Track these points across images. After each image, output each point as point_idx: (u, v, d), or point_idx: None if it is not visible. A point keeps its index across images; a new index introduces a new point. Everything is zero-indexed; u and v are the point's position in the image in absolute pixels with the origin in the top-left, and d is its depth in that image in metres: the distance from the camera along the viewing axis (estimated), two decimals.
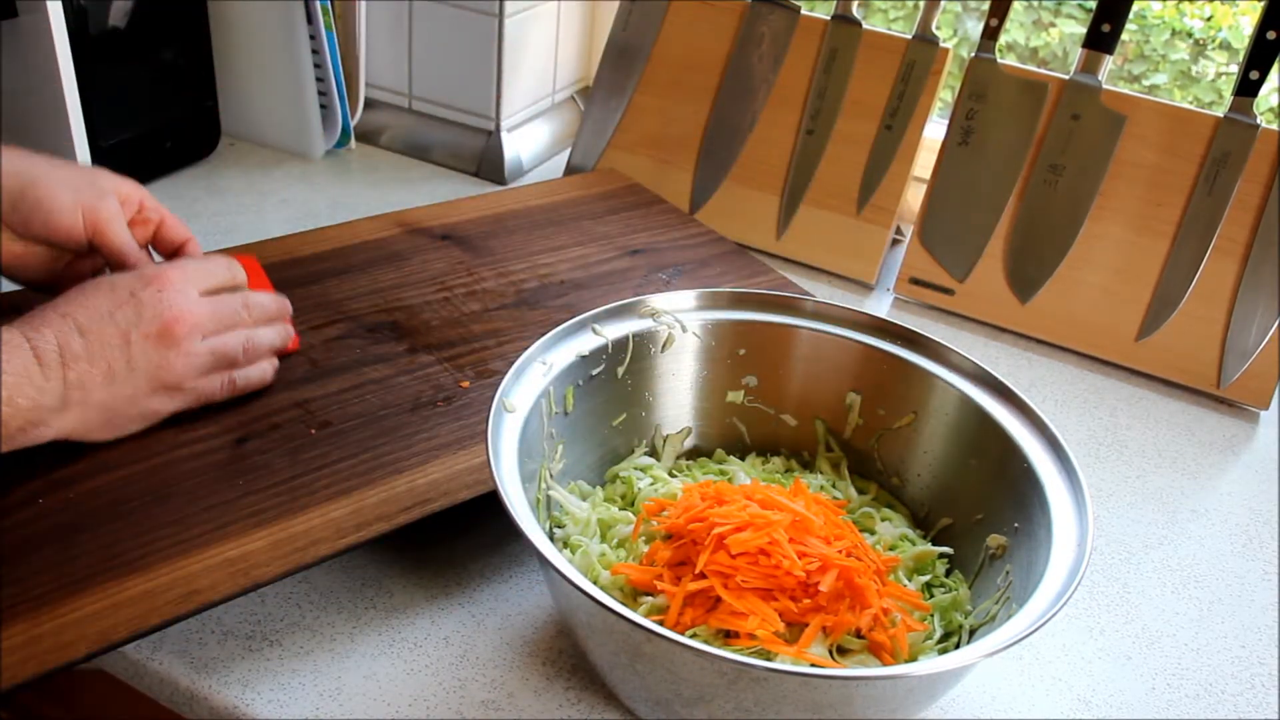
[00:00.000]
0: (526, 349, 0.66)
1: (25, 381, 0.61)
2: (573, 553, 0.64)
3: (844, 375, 0.73)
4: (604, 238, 0.98)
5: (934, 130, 1.04)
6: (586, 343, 0.69)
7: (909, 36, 1.02)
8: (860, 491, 0.73)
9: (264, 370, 0.73)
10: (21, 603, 0.57)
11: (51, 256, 0.74)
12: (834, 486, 0.72)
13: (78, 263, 0.75)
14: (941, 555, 0.67)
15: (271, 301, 0.74)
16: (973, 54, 1.00)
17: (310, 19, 1.09)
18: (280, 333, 0.74)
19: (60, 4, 0.91)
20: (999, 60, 0.99)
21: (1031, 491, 0.63)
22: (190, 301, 0.68)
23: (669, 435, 0.74)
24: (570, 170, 1.15)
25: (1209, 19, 1.31)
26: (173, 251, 0.77)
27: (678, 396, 0.74)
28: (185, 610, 0.58)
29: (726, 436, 0.76)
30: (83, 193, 0.71)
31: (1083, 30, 0.98)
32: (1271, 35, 0.91)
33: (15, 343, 0.61)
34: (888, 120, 1.03)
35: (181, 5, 1.06)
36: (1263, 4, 0.91)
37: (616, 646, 0.56)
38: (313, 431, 0.71)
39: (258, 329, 0.72)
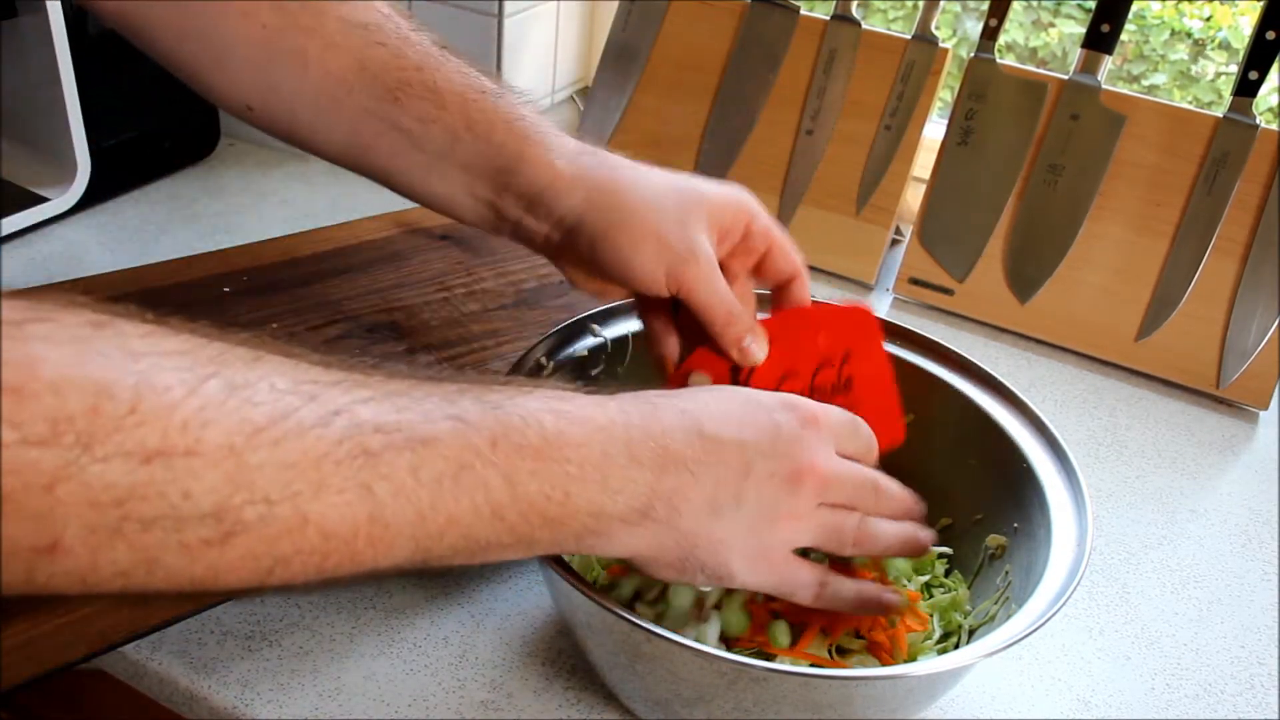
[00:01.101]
0: (526, 349, 0.66)
1: (610, 474, 0.47)
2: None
3: None
4: None
5: (933, 130, 1.04)
6: (586, 342, 0.69)
7: (908, 36, 1.02)
8: None
9: (861, 589, 0.56)
10: (20, 603, 0.56)
11: (638, 300, 0.65)
12: None
13: (663, 308, 0.64)
14: (941, 555, 0.67)
15: (904, 495, 0.58)
16: (972, 54, 1.00)
17: None
18: (901, 536, 0.57)
19: (60, 4, 0.91)
20: (998, 60, 0.99)
21: (1031, 492, 0.63)
22: (829, 455, 0.54)
23: None
24: None
25: (1208, 19, 1.31)
26: (776, 286, 0.64)
27: None
28: (184, 610, 0.57)
29: None
30: (668, 249, 0.59)
31: (1082, 30, 0.98)
32: (1271, 35, 0.91)
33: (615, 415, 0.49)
34: (887, 120, 1.03)
35: None
36: (1262, 4, 0.91)
37: (616, 647, 0.56)
38: None
39: (880, 521, 0.56)
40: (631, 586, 0.59)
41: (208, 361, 0.38)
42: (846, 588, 0.55)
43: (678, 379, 0.62)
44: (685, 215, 0.59)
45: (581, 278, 0.63)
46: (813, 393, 0.62)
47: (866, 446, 0.57)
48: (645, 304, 0.65)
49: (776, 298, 0.64)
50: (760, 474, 0.51)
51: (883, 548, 0.56)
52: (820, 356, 0.62)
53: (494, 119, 0.63)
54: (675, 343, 0.64)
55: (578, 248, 0.61)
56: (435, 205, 0.66)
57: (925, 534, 0.58)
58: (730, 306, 0.60)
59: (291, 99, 0.63)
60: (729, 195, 0.62)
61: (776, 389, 0.61)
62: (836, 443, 0.54)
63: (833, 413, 0.55)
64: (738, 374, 0.61)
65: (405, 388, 0.44)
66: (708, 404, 0.52)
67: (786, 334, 0.62)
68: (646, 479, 0.48)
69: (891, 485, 0.57)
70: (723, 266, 0.61)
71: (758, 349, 0.61)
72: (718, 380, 0.61)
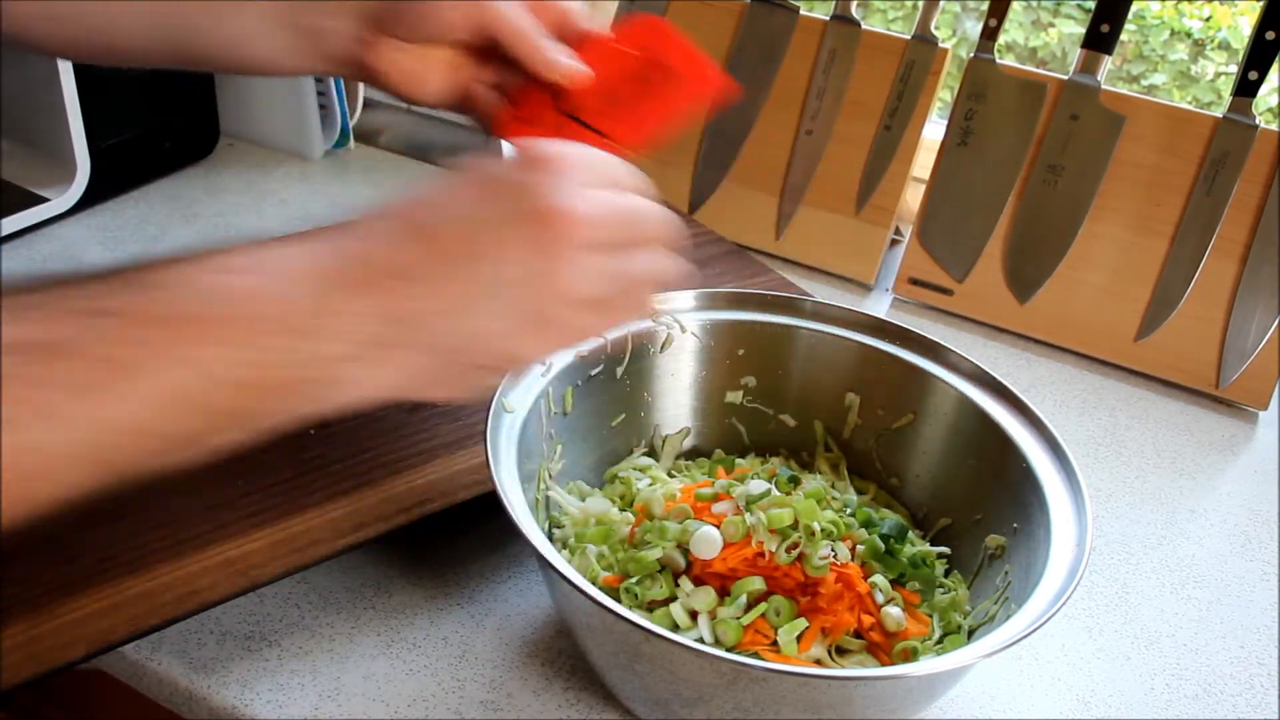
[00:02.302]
0: None
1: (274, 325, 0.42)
2: (571, 553, 0.64)
3: (843, 375, 0.73)
4: None
5: (933, 130, 1.04)
6: (585, 343, 0.69)
7: (908, 37, 1.02)
8: (859, 492, 0.73)
9: (648, 262, 0.53)
10: (20, 603, 0.56)
11: (451, 65, 0.63)
12: (833, 487, 0.72)
13: (481, 73, 0.63)
14: (940, 555, 0.67)
15: (667, 217, 0.54)
16: (972, 54, 1.00)
17: None
18: (670, 264, 0.54)
19: None
20: (998, 60, 0.99)
21: (1030, 492, 0.63)
22: (576, 194, 0.48)
23: (668, 436, 0.74)
24: None
25: (1208, 19, 1.31)
26: (575, 41, 0.63)
27: (676, 397, 0.74)
28: (184, 610, 0.58)
29: (725, 437, 0.76)
30: None
31: (1082, 30, 0.98)
32: (1270, 35, 0.91)
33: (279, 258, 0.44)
34: (887, 120, 1.03)
35: None
36: (1262, 4, 0.91)
37: (615, 647, 0.56)
38: (311, 432, 0.70)
39: (649, 256, 0.53)
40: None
41: None
42: (635, 269, 0.51)
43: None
44: None
45: (395, 72, 0.62)
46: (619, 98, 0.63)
47: (618, 174, 0.52)
48: (469, 95, 0.64)
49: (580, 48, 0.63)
50: (504, 243, 0.46)
51: (659, 284, 0.53)
52: (634, 64, 0.63)
53: None
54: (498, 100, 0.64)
55: (383, 24, 0.60)
56: (238, 58, 0.64)
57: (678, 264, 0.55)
58: (541, 32, 0.60)
59: None
60: None
61: (600, 111, 0.62)
62: (582, 178, 0.49)
63: (570, 148, 0.51)
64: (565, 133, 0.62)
65: (40, 299, 0.40)
66: (420, 198, 0.48)
67: (599, 62, 0.62)
68: (362, 306, 0.44)
69: (653, 210, 0.53)
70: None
71: (578, 64, 0.61)
72: (546, 128, 0.62)
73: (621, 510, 0.68)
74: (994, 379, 0.68)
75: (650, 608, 0.60)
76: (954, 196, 1.02)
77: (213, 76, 1.12)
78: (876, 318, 0.73)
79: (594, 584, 0.59)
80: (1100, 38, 0.96)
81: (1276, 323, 0.93)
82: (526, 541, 0.53)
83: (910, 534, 0.68)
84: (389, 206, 0.48)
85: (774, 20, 1.06)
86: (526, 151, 0.50)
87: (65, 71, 0.93)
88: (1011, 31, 1.37)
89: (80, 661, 0.55)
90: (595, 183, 0.50)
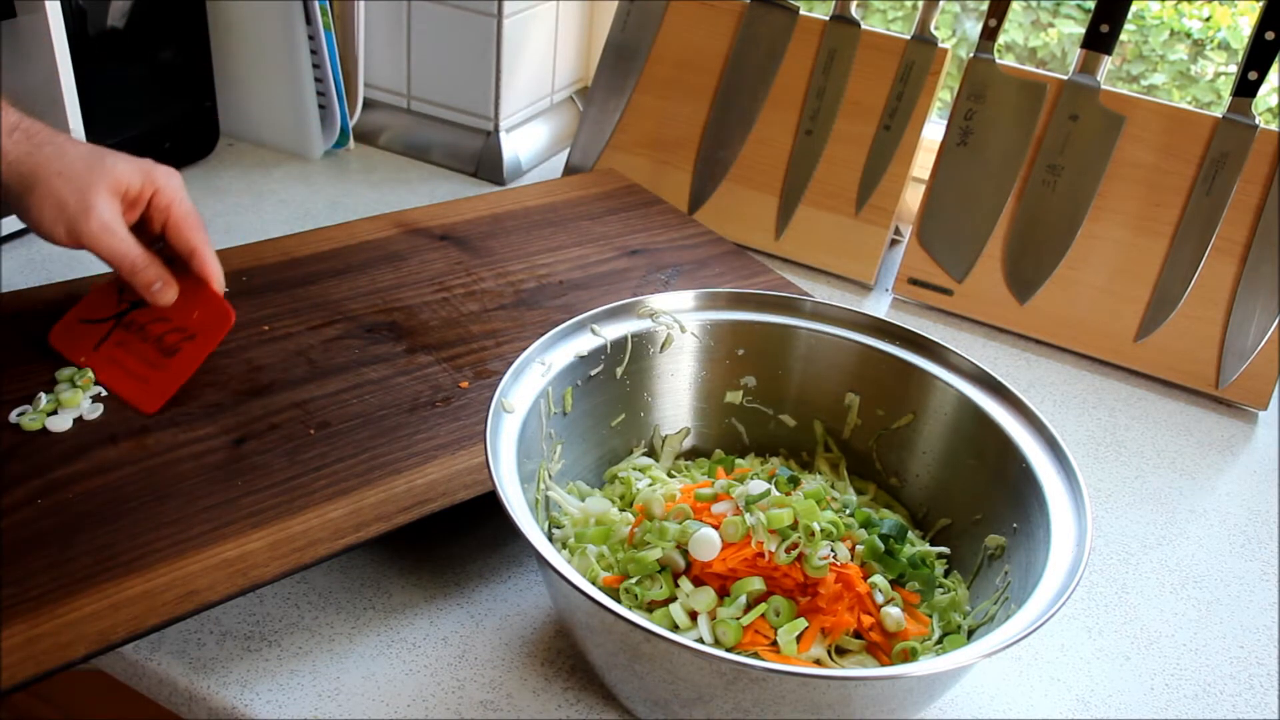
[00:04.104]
0: (525, 349, 0.66)
1: None
2: (571, 553, 0.64)
3: (843, 376, 0.73)
4: (602, 238, 0.98)
5: (932, 130, 1.04)
6: (585, 343, 0.69)
7: (907, 37, 1.02)
8: (859, 492, 0.73)
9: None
10: (20, 603, 0.57)
11: None
12: (832, 487, 0.72)
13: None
14: (940, 555, 0.67)
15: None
16: (971, 54, 1.00)
17: (309, 19, 1.09)
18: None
19: (59, 4, 0.91)
20: (997, 61, 0.99)
21: (1030, 492, 0.63)
22: None
23: (668, 436, 0.74)
24: (569, 171, 1.15)
25: (1207, 19, 1.31)
26: (181, 256, 0.75)
27: (676, 397, 0.74)
28: (184, 611, 0.57)
29: (725, 437, 0.76)
30: (66, 211, 0.70)
31: (1081, 30, 0.98)
32: (1270, 35, 0.91)
33: None
34: (886, 120, 1.03)
35: (180, 6, 1.06)
36: (1261, 4, 0.91)
37: (615, 647, 0.56)
38: (311, 432, 0.71)
39: None
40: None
41: None
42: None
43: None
44: (86, 185, 0.71)
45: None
46: (148, 334, 0.76)
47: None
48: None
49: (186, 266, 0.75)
50: None
51: None
52: (173, 317, 0.76)
53: None
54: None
55: (8, 208, 0.73)
56: None
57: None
58: (134, 259, 0.72)
59: None
60: (137, 170, 0.73)
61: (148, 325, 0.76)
62: None
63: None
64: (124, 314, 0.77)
65: None
66: None
67: (183, 292, 0.75)
68: None
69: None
70: (140, 228, 0.74)
71: (165, 294, 0.74)
72: (103, 310, 0.77)
73: (621, 510, 0.68)
74: (994, 379, 0.68)
75: (650, 608, 0.60)
76: (953, 196, 1.02)
77: (212, 76, 1.12)
78: (876, 318, 0.73)
79: (594, 584, 0.59)
80: (1100, 38, 0.96)
81: (1276, 323, 0.93)
82: (526, 541, 0.53)
83: (910, 534, 0.68)
84: None
85: (774, 20, 1.06)
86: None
87: (65, 71, 0.93)
88: (1011, 31, 1.37)
89: (79, 662, 0.55)
90: None
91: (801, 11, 1.05)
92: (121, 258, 0.72)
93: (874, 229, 1.04)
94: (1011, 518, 0.64)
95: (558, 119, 1.27)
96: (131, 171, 0.73)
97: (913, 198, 1.08)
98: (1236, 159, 0.93)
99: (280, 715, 0.60)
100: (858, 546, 0.64)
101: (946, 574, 0.67)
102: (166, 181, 0.74)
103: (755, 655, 0.57)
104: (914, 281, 1.03)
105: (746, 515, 0.61)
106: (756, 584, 0.59)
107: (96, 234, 0.71)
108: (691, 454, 0.75)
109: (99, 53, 0.98)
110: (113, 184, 0.72)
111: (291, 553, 0.61)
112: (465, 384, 0.77)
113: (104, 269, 0.76)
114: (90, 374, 0.73)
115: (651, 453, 0.74)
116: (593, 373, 0.70)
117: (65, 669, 0.54)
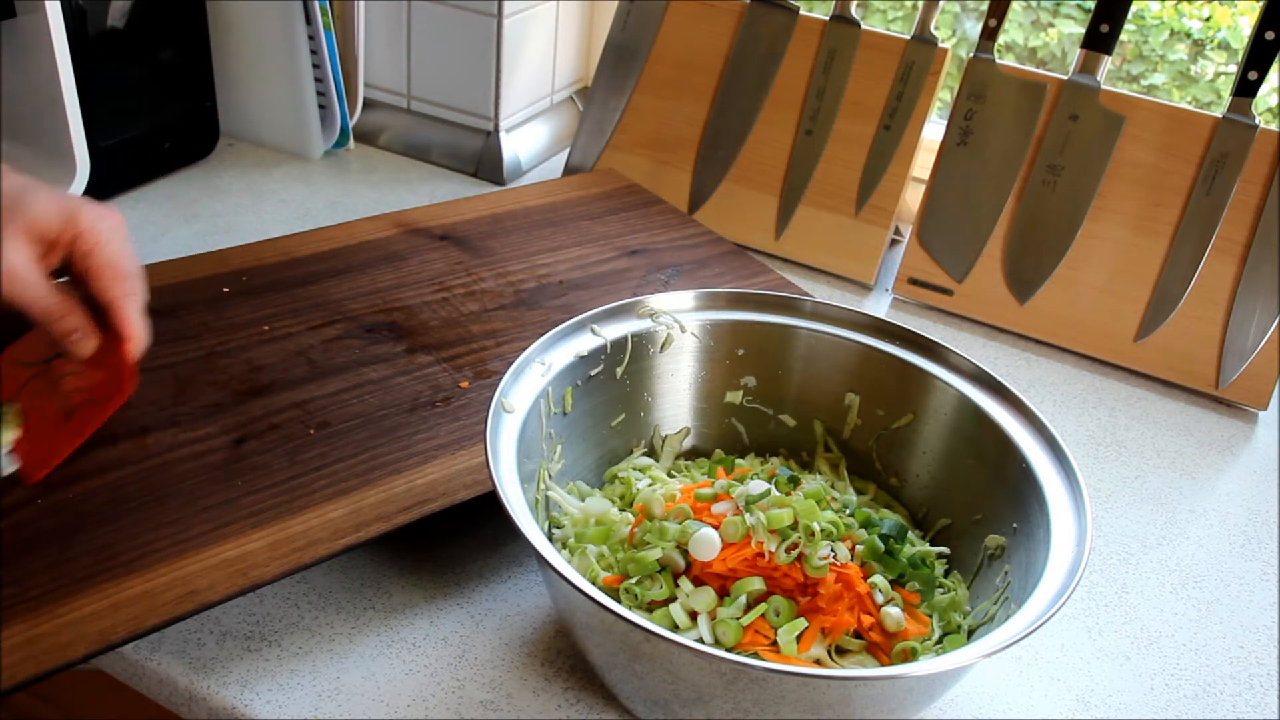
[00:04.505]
0: (525, 349, 0.66)
1: None
2: (571, 553, 0.64)
3: (843, 375, 0.73)
4: (602, 238, 0.98)
5: (932, 130, 1.04)
6: (585, 343, 0.69)
7: (907, 37, 1.02)
8: (859, 492, 0.73)
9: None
10: (20, 603, 0.57)
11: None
12: (832, 487, 0.72)
13: None
14: (940, 555, 0.67)
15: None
16: (971, 54, 1.00)
17: (309, 19, 1.09)
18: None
19: (59, 4, 0.91)
20: (997, 60, 0.99)
21: (1030, 492, 0.63)
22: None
23: (667, 436, 0.74)
24: (569, 171, 1.15)
25: (1207, 19, 1.31)
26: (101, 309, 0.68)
27: (676, 397, 0.74)
28: (184, 611, 0.57)
29: (725, 437, 0.76)
30: None
31: (1081, 30, 0.98)
32: (1270, 35, 0.91)
33: None
34: (886, 120, 1.03)
35: (180, 6, 1.06)
36: (1261, 4, 0.91)
37: (615, 647, 0.56)
38: (311, 432, 0.71)
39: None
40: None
41: None
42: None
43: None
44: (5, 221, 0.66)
45: None
46: (60, 388, 0.70)
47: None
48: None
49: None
50: None
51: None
52: (85, 372, 0.69)
53: None
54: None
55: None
56: None
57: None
58: (49, 307, 0.66)
59: None
60: (58, 212, 0.66)
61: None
62: None
63: None
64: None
65: None
66: None
67: (102, 348, 0.67)
68: None
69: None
70: (64, 272, 0.67)
71: (83, 346, 0.67)
72: (35, 354, 0.71)
73: (621, 510, 0.68)
74: (994, 379, 0.68)
75: (650, 608, 0.60)
76: (953, 196, 1.02)
77: (212, 76, 1.12)
78: (876, 318, 0.73)
79: (594, 584, 0.59)
80: (1100, 38, 0.96)
81: (1276, 323, 0.93)
82: (526, 541, 0.53)
83: (910, 534, 0.68)
84: None
85: (774, 20, 1.06)
86: None
87: (65, 71, 0.93)
88: (1011, 31, 1.37)
89: (79, 662, 0.55)
90: None
91: (801, 11, 1.05)
92: (31, 304, 0.65)
93: (874, 229, 1.04)
94: (1011, 518, 0.64)
95: (558, 119, 1.27)
96: (52, 213, 0.66)
97: (913, 198, 1.08)
98: (1236, 159, 0.93)
99: (280, 715, 0.60)
100: (858, 546, 0.64)
101: (946, 574, 0.67)
102: (92, 225, 0.67)
103: (755, 655, 0.57)
104: (914, 281, 1.03)
105: (746, 515, 0.61)
106: (756, 584, 0.59)
107: (12, 282, 0.65)
108: (691, 454, 0.75)
109: (99, 53, 0.98)
110: (26, 225, 0.66)
111: (291, 553, 0.61)
112: (465, 384, 0.77)
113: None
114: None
115: (651, 453, 0.74)
116: (593, 373, 0.70)
117: (65, 669, 0.54)
